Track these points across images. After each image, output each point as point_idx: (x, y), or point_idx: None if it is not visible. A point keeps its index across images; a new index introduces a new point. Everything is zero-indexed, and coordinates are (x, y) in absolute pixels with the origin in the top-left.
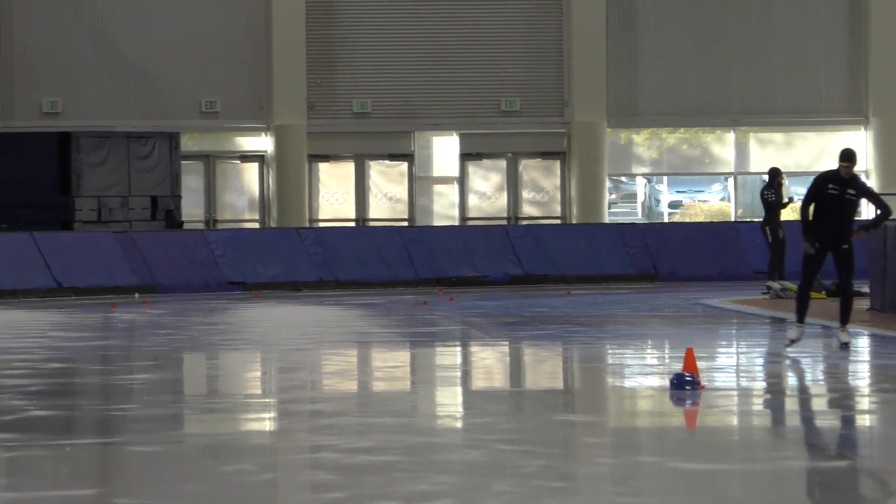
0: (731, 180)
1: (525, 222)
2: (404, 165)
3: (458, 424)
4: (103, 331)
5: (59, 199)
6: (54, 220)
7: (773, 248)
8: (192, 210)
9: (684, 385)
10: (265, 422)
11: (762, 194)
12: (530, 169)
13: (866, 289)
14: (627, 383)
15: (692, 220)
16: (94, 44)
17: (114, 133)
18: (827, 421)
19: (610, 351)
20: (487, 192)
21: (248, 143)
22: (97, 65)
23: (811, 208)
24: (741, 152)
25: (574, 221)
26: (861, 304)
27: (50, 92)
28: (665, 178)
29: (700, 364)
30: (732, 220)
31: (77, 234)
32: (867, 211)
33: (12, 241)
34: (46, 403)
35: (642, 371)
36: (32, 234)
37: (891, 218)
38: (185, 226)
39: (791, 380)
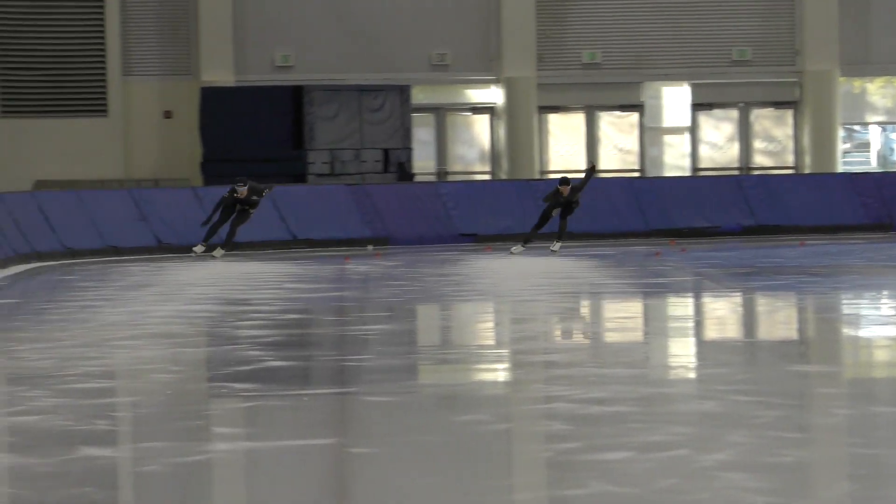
0: None
1: (757, 172)
2: (634, 116)
3: (692, 375)
4: (338, 282)
5: (292, 153)
6: (288, 174)
7: None
8: (423, 162)
9: None
10: (498, 372)
11: None
12: (762, 119)
13: None
14: (863, 333)
15: None
16: None
17: (345, 86)
18: None
19: (845, 301)
20: (719, 142)
21: (478, 95)
22: (328, 18)
23: None
24: None
25: (807, 171)
26: None
27: (282, 45)
28: None
29: None
30: None
31: (311, 187)
32: None
33: None
34: (283, 354)
35: (878, 321)
36: None
37: None
38: (417, 178)
39: None
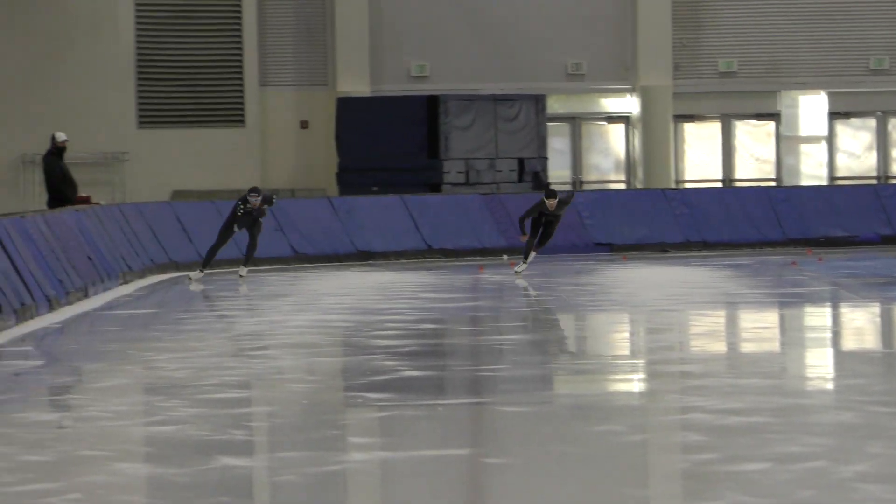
0: None
1: (895, 181)
2: (771, 125)
3: (829, 386)
4: (472, 292)
5: (427, 163)
6: (423, 183)
7: None
8: (558, 172)
9: None
10: (634, 383)
11: None
12: None
13: None
14: None
15: None
16: (461, 7)
17: (480, 96)
18: None
19: None
20: (856, 151)
21: (614, 104)
22: (464, 28)
23: None
24: None
25: None
26: None
27: (418, 56)
28: None
29: None
30: None
31: (445, 196)
32: None
33: (383, 203)
34: (418, 364)
35: None
36: (402, 197)
37: None
38: (552, 187)
39: None
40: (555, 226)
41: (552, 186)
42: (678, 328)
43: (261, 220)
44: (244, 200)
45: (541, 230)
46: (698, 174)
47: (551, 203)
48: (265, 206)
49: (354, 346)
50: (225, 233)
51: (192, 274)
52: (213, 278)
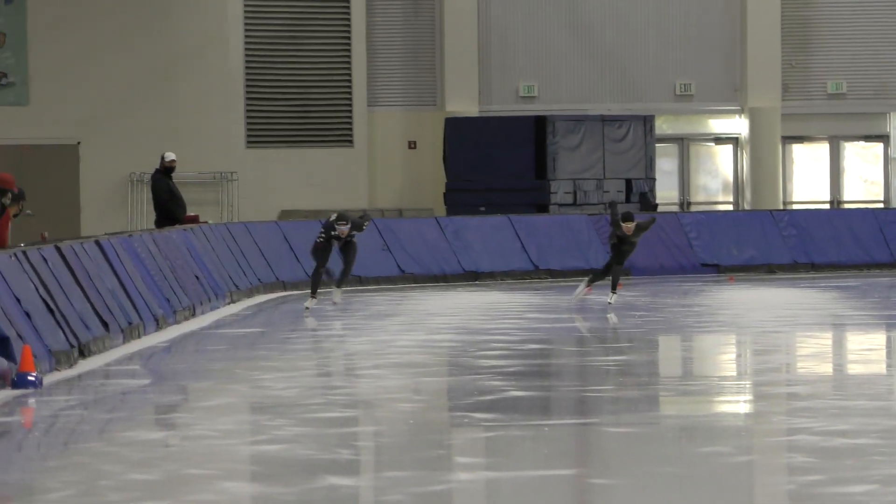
0: None
1: None
2: (879, 147)
3: None
4: (579, 313)
5: (534, 182)
6: (530, 203)
7: None
8: (666, 192)
9: None
10: (740, 404)
11: None
12: None
13: None
14: None
15: None
16: (569, 28)
17: (588, 116)
18: None
19: None
20: None
21: (722, 125)
22: (572, 49)
23: None
24: None
25: None
26: None
27: (526, 76)
28: None
29: None
30: None
31: (552, 216)
32: None
33: (490, 223)
34: (524, 384)
35: None
36: (509, 217)
37: None
38: (660, 208)
39: None
40: (628, 254)
41: (628, 210)
42: (785, 350)
43: (355, 241)
44: (329, 227)
45: (613, 255)
46: (806, 196)
47: (628, 227)
48: (355, 232)
49: (461, 366)
50: (322, 254)
51: (307, 303)
52: (319, 297)
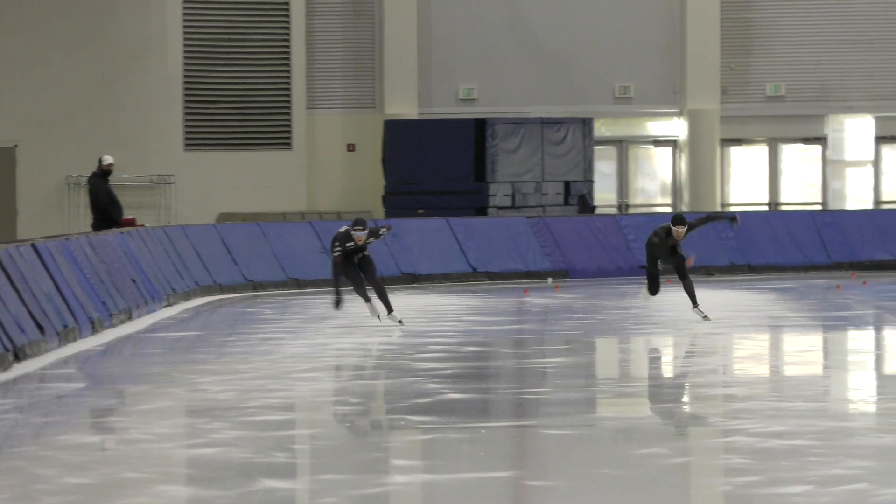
0: None
1: None
2: (817, 149)
3: (872, 409)
4: (517, 315)
5: (473, 185)
6: (469, 206)
7: None
8: (604, 195)
9: None
10: (677, 406)
11: None
12: None
13: None
14: None
15: None
16: (509, 31)
17: (528, 119)
18: None
19: None
20: None
21: (661, 127)
22: (512, 52)
23: None
24: None
25: None
26: None
27: (466, 79)
28: None
29: None
30: None
31: (490, 219)
32: None
33: (429, 226)
34: (461, 386)
35: None
36: (448, 220)
37: None
38: (598, 210)
39: None
40: (683, 260)
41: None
42: (722, 351)
43: (368, 254)
44: (345, 237)
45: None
46: (744, 198)
47: (679, 232)
48: (372, 239)
49: (398, 369)
50: (349, 273)
51: (371, 312)
52: (257, 301)
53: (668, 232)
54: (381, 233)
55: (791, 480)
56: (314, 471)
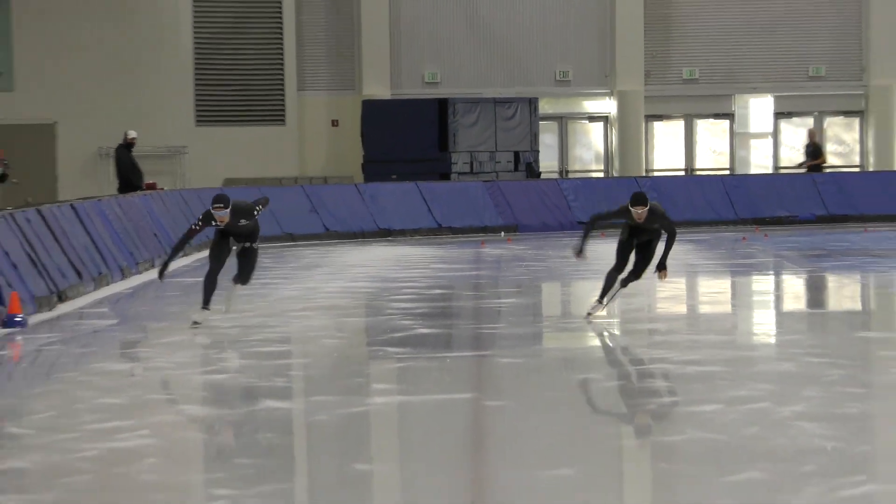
0: None
1: (828, 171)
2: (726, 123)
3: (772, 340)
4: (475, 263)
5: (438, 155)
6: (434, 172)
7: None
8: (548, 163)
9: None
10: (609, 338)
11: None
12: (833, 125)
13: None
14: None
15: None
16: (467, 22)
17: (483, 99)
18: None
19: None
20: (796, 145)
21: (595, 105)
22: (469, 41)
23: None
24: None
25: (871, 169)
26: None
27: (430, 64)
28: None
29: None
30: None
31: (453, 183)
32: None
33: (401, 189)
34: (430, 323)
35: None
36: (417, 184)
37: None
38: (543, 176)
39: None
40: (652, 246)
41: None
42: (646, 293)
43: (254, 245)
44: (207, 217)
45: (633, 256)
46: (665, 165)
47: (638, 213)
48: (245, 222)
49: (376, 308)
50: (213, 255)
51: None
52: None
53: (629, 217)
54: (255, 211)
55: (704, 400)
56: (307, 393)
